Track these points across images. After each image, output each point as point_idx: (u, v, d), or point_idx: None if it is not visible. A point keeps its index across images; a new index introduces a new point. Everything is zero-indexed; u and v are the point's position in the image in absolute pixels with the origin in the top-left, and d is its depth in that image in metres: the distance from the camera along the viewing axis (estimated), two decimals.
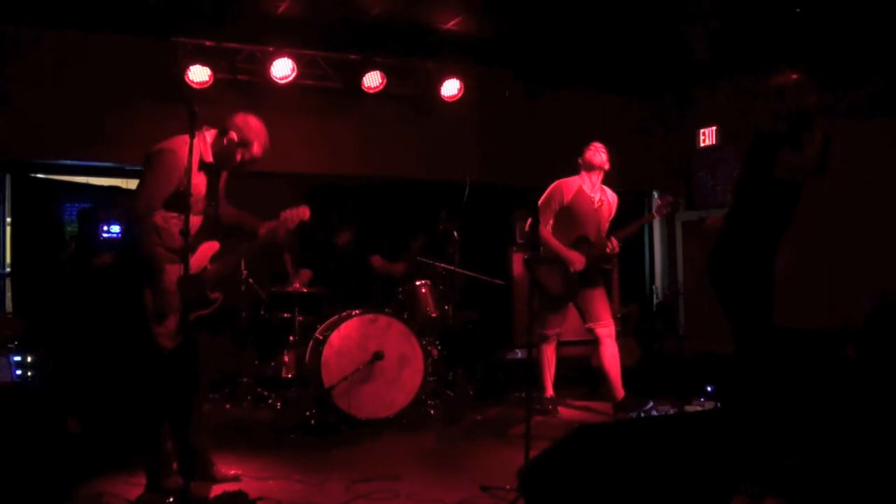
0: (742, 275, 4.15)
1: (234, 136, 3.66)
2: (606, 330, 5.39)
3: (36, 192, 6.31)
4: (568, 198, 5.42)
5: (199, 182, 3.63)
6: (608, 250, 5.42)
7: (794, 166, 3.94)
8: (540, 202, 5.42)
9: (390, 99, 6.78)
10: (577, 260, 5.35)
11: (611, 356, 5.37)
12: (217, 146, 3.69)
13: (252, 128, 3.71)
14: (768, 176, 4.00)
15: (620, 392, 5.38)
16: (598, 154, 5.43)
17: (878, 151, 5.85)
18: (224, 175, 3.83)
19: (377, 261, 6.38)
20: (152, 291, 3.48)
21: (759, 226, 4.13)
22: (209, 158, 3.66)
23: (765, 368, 4.10)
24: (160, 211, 3.53)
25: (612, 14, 5.93)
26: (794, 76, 4.15)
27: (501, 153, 7.14)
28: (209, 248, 3.75)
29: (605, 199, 5.56)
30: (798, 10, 5.57)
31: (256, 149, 3.70)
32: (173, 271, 3.51)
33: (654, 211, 5.74)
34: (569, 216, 5.43)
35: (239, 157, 3.69)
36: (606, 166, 5.47)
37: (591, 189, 5.50)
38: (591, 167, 5.44)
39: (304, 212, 3.80)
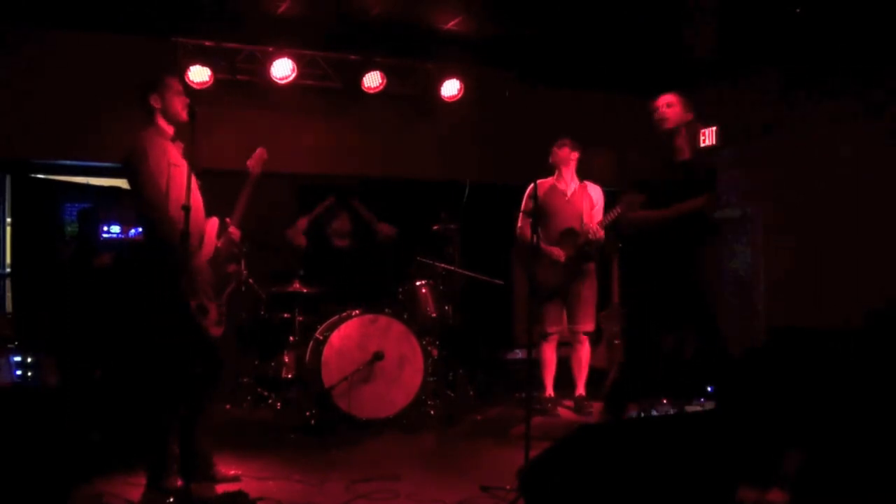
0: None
1: (155, 98, 3.70)
2: (587, 333, 5.69)
3: (36, 193, 6.30)
4: (540, 195, 5.58)
5: (183, 163, 3.69)
6: (591, 236, 5.54)
7: (628, 222, 4.33)
8: (523, 207, 5.70)
9: (390, 99, 6.77)
10: (557, 252, 5.54)
11: (584, 357, 5.70)
12: (163, 112, 3.72)
13: (162, 83, 3.78)
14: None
15: (581, 390, 5.72)
16: (558, 151, 5.74)
17: (878, 151, 5.85)
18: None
19: (385, 228, 6.39)
20: (187, 279, 3.54)
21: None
22: (169, 131, 3.72)
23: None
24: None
25: (612, 14, 5.92)
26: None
27: (501, 153, 7.14)
28: (213, 226, 3.82)
29: (581, 192, 5.73)
30: (798, 10, 5.57)
31: (173, 83, 3.76)
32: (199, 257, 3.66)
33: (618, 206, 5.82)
34: (544, 212, 5.60)
35: (176, 98, 3.72)
36: (568, 159, 5.72)
37: (565, 184, 5.74)
38: (555, 165, 5.76)
39: (261, 153, 4.06)
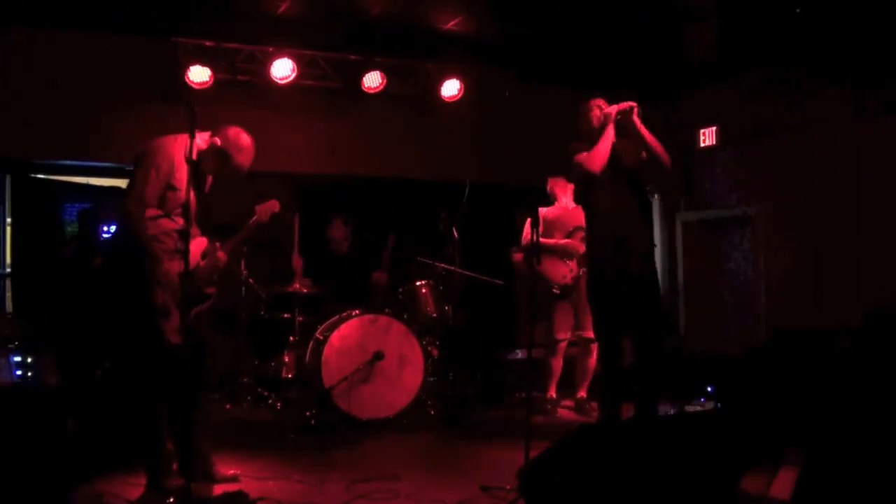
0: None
1: (217, 141, 3.67)
2: (595, 340, 5.60)
3: (36, 193, 6.31)
4: (545, 215, 5.71)
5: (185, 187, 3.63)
6: None
7: (579, 166, 4.30)
8: (524, 236, 5.73)
9: (390, 99, 6.78)
10: (575, 244, 5.54)
11: (591, 365, 5.66)
12: (204, 147, 3.69)
13: (236, 143, 3.70)
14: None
15: (582, 392, 5.73)
16: (553, 184, 5.81)
17: (878, 151, 5.85)
18: (209, 179, 3.85)
19: (380, 278, 6.36)
20: (161, 286, 3.50)
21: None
22: (195, 156, 3.59)
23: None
24: (157, 215, 3.55)
25: (612, 14, 5.92)
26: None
27: (501, 153, 7.14)
28: (199, 244, 3.76)
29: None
30: (798, 10, 5.57)
31: (233, 164, 3.71)
32: (173, 266, 3.55)
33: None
34: (551, 226, 5.67)
35: (216, 164, 3.71)
36: (566, 188, 5.74)
37: (566, 203, 5.78)
38: (553, 195, 5.83)
39: (273, 205, 3.98)
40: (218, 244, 3.80)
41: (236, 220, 3.99)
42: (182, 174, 3.54)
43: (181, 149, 3.56)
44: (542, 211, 5.71)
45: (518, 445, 3.74)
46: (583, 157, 4.28)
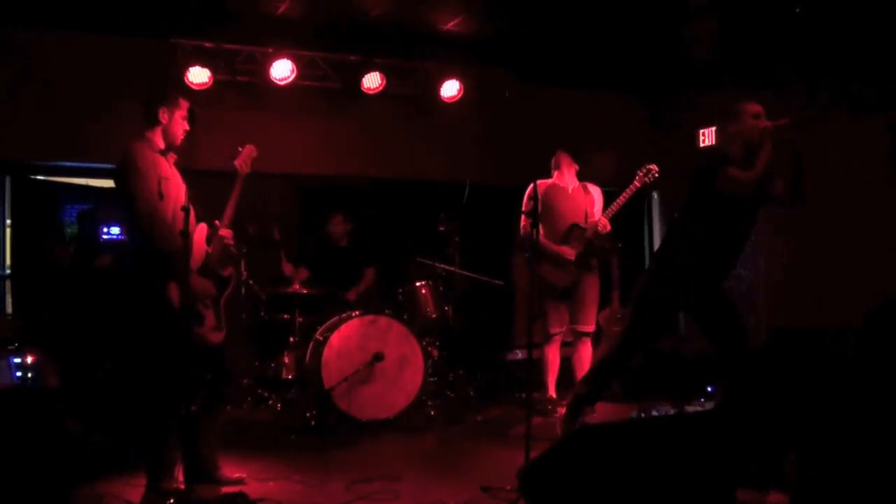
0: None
1: (164, 112, 3.73)
2: (589, 334, 5.65)
3: (36, 194, 6.30)
4: (540, 193, 5.56)
5: (174, 174, 3.74)
6: (600, 228, 5.52)
7: (737, 180, 4.00)
8: (524, 208, 5.57)
9: (390, 99, 6.78)
10: (567, 252, 5.51)
11: (586, 357, 5.62)
12: (165, 129, 3.75)
13: (168, 93, 3.82)
14: (712, 191, 4.05)
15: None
16: (560, 157, 5.75)
17: (877, 151, 5.85)
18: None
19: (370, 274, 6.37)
20: (179, 286, 3.52)
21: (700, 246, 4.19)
22: (161, 145, 3.75)
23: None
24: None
25: (612, 14, 5.93)
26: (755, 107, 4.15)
27: (501, 153, 7.14)
28: (201, 232, 3.77)
29: (581, 189, 5.73)
30: (798, 9, 5.57)
31: (184, 105, 3.78)
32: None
33: (635, 181, 5.68)
34: (548, 209, 5.58)
35: (180, 121, 3.76)
36: (572, 165, 5.73)
37: (565, 182, 5.73)
38: (555, 167, 5.77)
39: (250, 150, 3.95)
40: (217, 222, 3.80)
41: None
42: (162, 167, 3.65)
43: (146, 150, 3.68)
44: (541, 184, 5.62)
45: (518, 445, 3.74)
46: (737, 173, 3.99)
